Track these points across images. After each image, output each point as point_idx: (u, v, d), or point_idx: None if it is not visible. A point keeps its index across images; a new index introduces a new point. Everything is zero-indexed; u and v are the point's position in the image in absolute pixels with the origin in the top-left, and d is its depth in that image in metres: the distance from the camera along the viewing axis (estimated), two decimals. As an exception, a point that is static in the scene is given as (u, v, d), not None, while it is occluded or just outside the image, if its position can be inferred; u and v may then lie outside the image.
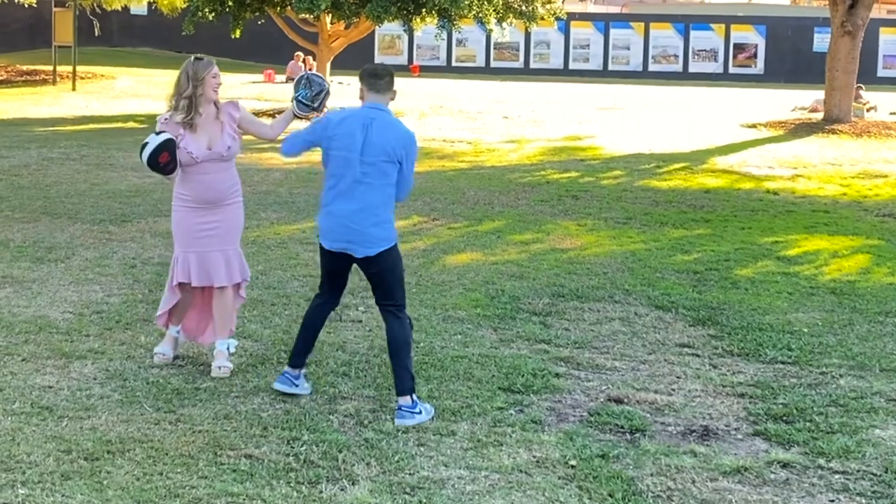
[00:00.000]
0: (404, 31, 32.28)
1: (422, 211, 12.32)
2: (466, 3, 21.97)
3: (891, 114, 26.62)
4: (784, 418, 5.98)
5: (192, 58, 6.44)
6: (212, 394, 6.11)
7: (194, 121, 6.34)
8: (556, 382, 6.46)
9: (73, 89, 28.48)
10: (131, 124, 21.60)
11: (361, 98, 5.93)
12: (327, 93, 6.62)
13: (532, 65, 41.69)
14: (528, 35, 38.44)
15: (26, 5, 32.27)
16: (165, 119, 6.43)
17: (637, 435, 5.68)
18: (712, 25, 41.79)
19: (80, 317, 7.58)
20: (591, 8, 48.82)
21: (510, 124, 22.94)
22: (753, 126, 23.11)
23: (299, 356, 6.11)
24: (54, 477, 4.92)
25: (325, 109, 6.72)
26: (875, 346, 7.45)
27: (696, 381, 6.61)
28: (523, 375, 6.53)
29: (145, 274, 8.90)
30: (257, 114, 19.74)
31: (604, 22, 42.61)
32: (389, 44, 41.79)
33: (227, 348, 6.54)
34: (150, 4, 34.77)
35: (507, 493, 4.93)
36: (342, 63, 26.81)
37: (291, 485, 4.93)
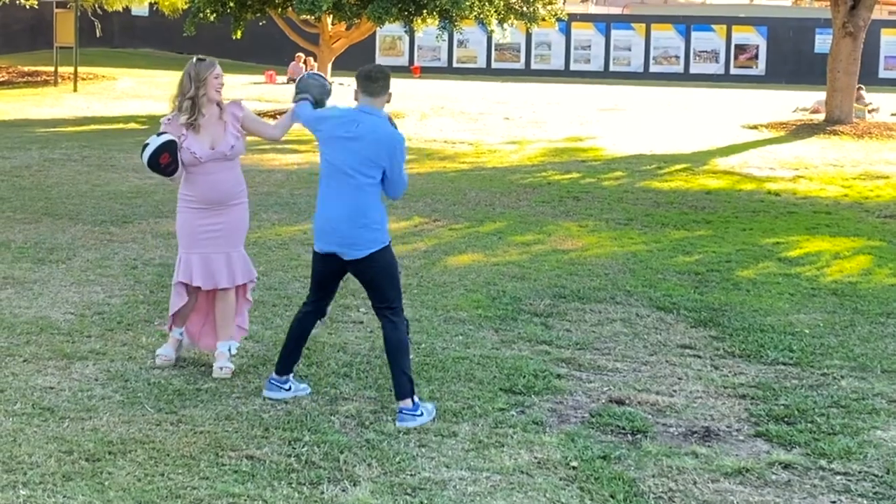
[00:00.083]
0: (405, 32, 32.30)
1: (423, 212, 12.32)
2: (468, 4, 21.97)
3: (892, 115, 26.61)
4: (785, 419, 5.98)
5: (195, 59, 6.45)
6: (213, 395, 6.11)
7: (197, 121, 6.35)
8: (557, 383, 6.46)
9: (75, 90, 28.49)
10: (132, 125, 21.61)
11: (356, 100, 5.93)
12: (328, 92, 6.64)
13: (533, 66, 41.68)
14: (529, 36, 38.42)
15: (28, 6, 32.29)
16: (169, 120, 6.45)
17: (638, 436, 5.68)
18: (713, 26, 41.78)
19: (81, 318, 7.58)
20: (593, 9, 48.81)
21: (511, 125, 22.94)
22: (755, 127, 23.11)
23: (284, 363, 6.10)
24: (56, 478, 4.92)
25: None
26: (876, 347, 7.45)
27: (698, 383, 6.61)
28: (525, 376, 6.53)
29: (146, 275, 8.90)
30: (259, 115, 19.74)
31: (605, 23, 42.60)
32: (390, 45, 41.79)
33: (229, 349, 6.55)
34: (151, 5, 34.76)
35: (508, 494, 4.93)
36: (343, 64, 26.81)
37: (293, 486, 4.93)
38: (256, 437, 5.48)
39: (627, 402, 6.20)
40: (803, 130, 22.36)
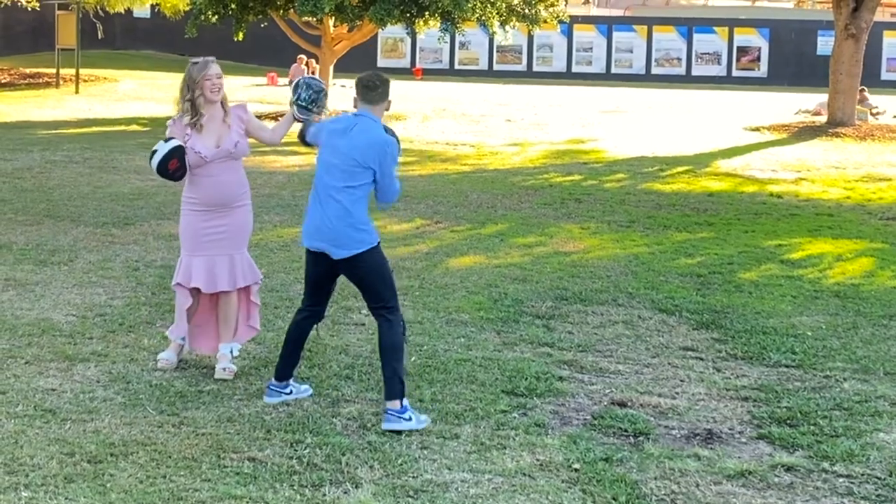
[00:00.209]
0: (407, 34, 32.25)
1: (425, 214, 12.31)
2: (469, 5, 21.97)
3: (894, 117, 26.58)
4: (788, 422, 5.97)
5: (191, 61, 6.50)
6: (215, 397, 6.11)
7: (199, 122, 6.38)
8: (559, 386, 6.45)
9: (76, 92, 28.51)
10: (134, 127, 21.63)
11: (355, 107, 5.95)
12: (325, 95, 6.64)
13: (535, 68, 41.69)
14: (530, 38, 38.38)
15: (29, 8, 32.30)
16: (174, 121, 6.50)
17: (641, 438, 5.68)
18: (715, 28, 41.78)
19: (83, 319, 7.58)
20: (594, 11, 48.80)
21: (513, 127, 22.94)
22: (757, 129, 23.11)
23: (283, 368, 6.10)
24: (57, 480, 4.91)
25: (325, 111, 6.73)
26: (879, 349, 7.44)
27: (700, 385, 6.60)
28: (527, 379, 6.52)
29: (148, 277, 8.90)
30: (260, 116, 19.73)
31: (607, 25, 42.61)
32: (392, 47, 41.80)
33: (231, 351, 6.55)
34: (153, 7, 34.80)
35: (510, 496, 4.93)
36: (345, 66, 26.82)
37: (295, 488, 4.92)
38: (258, 440, 5.48)
39: (629, 404, 6.20)
40: (805, 132, 22.36)
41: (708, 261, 10.21)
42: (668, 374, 6.79)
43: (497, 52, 41.13)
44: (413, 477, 5.09)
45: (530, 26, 24.15)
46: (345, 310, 7.91)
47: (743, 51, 41.68)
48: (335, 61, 25.06)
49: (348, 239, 5.79)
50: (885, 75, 40.07)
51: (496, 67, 41.52)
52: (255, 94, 28.79)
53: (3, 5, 31.64)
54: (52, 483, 4.88)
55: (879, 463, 5.42)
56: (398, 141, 5.95)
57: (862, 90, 25.58)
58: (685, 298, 8.66)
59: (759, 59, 41.68)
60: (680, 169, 17.06)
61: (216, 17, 23.39)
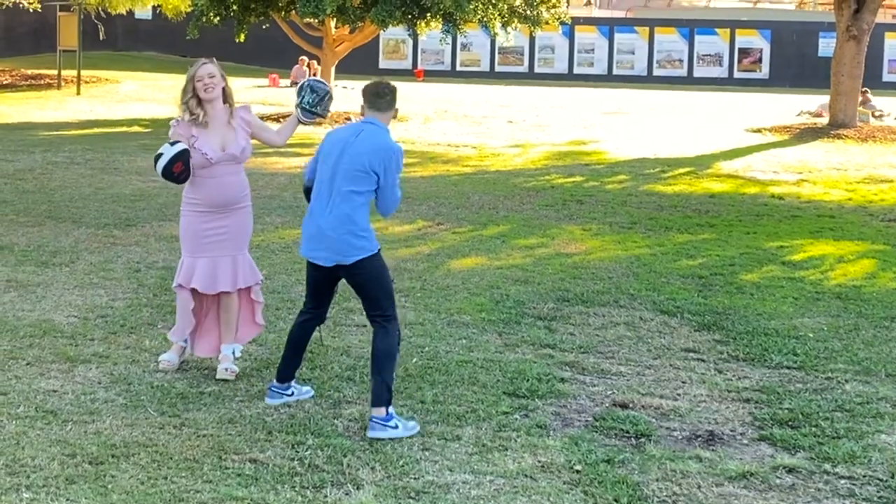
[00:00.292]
0: (409, 35, 32.28)
1: (426, 215, 12.32)
2: (471, 7, 21.98)
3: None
4: (790, 423, 5.96)
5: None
6: (216, 398, 6.11)
7: (200, 119, 6.37)
8: (561, 387, 6.45)
9: (78, 93, 28.52)
10: (136, 128, 21.64)
11: (362, 114, 5.93)
12: (330, 97, 6.66)
13: (536, 69, 41.71)
14: (532, 39, 38.40)
15: (31, 10, 32.33)
16: (177, 122, 6.49)
17: (642, 440, 5.67)
18: (717, 30, 41.79)
19: (84, 321, 7.58)
20: (596, 12, 48.80)
21: (515, 129, 22.95)
22: (758, 131, 23.11)
23: (285, 370, 6.09)
24: (59, 481, 4.91)
25: (329, 113, 6.73)
26: (881, 351, 7.43)
27: (702, 386, 6.60)
28: (528, 380, 6.52)
29: (150, 278, 8.90)
30: (262, 118, 19.77)
31: (608, 26, 42.62)
32: (394, 48, 41.82)
33: (232, 352, 6.55)
34: (154, 8, 34.84)
35: (511, 497, 4.93)
36: (347, 67, 26.85)
37: (296, 489, 4.92)
38: (260, 441, 5.48)
39: (631, 405, 6.19)
40: (807, 134, 22.36)
41: (709, 262, 10.21)
42: (670, 376, 6.79)
43: (499, 53, 41.15)
44: (414, 478, 5.08)
45: (532, 28, 24.17)
46: (346, 311, 7.91)
47: (744, 52, 41.69)
48: (337, 62, 25.07)
49: (348, 246, 5.77)
50: (886, 77, 40.08)
51: (498, 69, 41.53)
52: (257, 95, 28.79)
53: (4, 6, 31.66)
54: (54, 484, 4.88)
55: (881, 464, 5.42)
56: (402, 152, 5.96)
57: (864, 92, 25.59)
58: (687, 300, 8.66)
59: (760, 60, 41.68)
60: (681, 170, 17.06)
61: (218, 18, 23.41)
